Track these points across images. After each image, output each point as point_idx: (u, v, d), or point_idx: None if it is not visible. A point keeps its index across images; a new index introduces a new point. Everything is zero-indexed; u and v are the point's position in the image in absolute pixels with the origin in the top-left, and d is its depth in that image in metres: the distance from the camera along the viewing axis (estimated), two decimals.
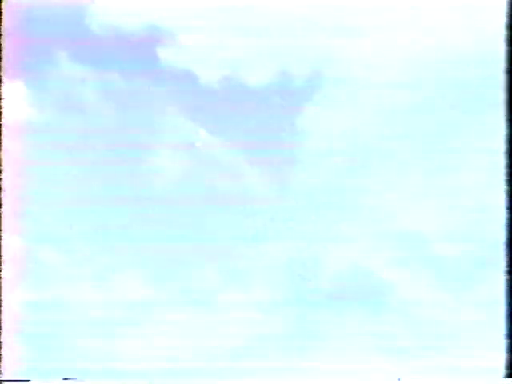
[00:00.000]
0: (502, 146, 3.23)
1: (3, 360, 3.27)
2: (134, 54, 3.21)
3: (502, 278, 3.24)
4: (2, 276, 3.26)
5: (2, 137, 3.23)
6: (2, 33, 3.21)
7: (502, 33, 3.22)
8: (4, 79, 3.23)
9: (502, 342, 3.25)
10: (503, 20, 3.23)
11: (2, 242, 3.24)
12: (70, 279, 3.27)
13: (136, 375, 3.27)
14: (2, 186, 3.22)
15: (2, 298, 3.25)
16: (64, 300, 3.27)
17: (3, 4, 3.20)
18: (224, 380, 3.26)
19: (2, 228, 3.23)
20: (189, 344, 3.27)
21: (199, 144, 3.22)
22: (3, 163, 3.24)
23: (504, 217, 3.22)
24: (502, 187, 3.24)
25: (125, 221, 3.24)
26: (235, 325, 3.26)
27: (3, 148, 3.25)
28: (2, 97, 3.23)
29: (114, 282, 3.26)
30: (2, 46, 3.21)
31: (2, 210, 3.21)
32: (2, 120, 3.22)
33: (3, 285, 3.26)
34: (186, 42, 3.22)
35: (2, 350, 3.26)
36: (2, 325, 3.27)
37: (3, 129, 3.23)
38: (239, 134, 3.23)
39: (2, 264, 3.25)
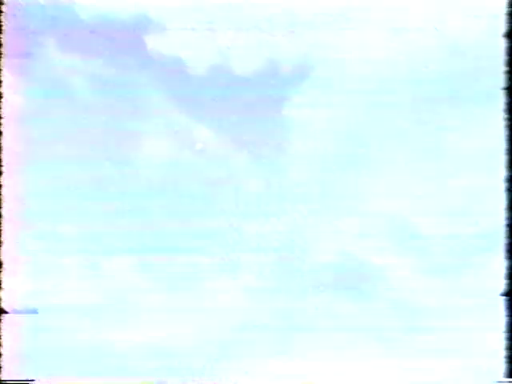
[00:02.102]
0: (502, 142, 3.25)
1: (3, 359, 3.23)
2: (123, 41, 3.23)
3: (500, 270, 3.22)
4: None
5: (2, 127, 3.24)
6: (3, 29, 3.22)
7: (502, 31, 3.26)
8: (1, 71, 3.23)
9: (502, 340, 3.23)
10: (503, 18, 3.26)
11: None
12: (58, 268, 3.25)
13: (131, 371, 3.25)
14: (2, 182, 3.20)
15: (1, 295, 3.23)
16: (57, 291, 3.26)
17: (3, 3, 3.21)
18: (212, 370, 3.25)
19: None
20: (176, 332, 3.26)
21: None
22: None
23: (503, 216, 3.23)
24: (499, 168, 3.25)
25: (113, 208, 3.24)
26: (222, 312, 3.25)
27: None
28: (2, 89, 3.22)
29: (103, 269, 3.24)
30: (2, 40, 3.21)
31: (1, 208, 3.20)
32: (2, 110, 3.22)
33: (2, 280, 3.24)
34: (175, 30, 3.24)
35: (2, 349, 3.23)
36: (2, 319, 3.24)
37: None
38: (227, 122, 3.24)
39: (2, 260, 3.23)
